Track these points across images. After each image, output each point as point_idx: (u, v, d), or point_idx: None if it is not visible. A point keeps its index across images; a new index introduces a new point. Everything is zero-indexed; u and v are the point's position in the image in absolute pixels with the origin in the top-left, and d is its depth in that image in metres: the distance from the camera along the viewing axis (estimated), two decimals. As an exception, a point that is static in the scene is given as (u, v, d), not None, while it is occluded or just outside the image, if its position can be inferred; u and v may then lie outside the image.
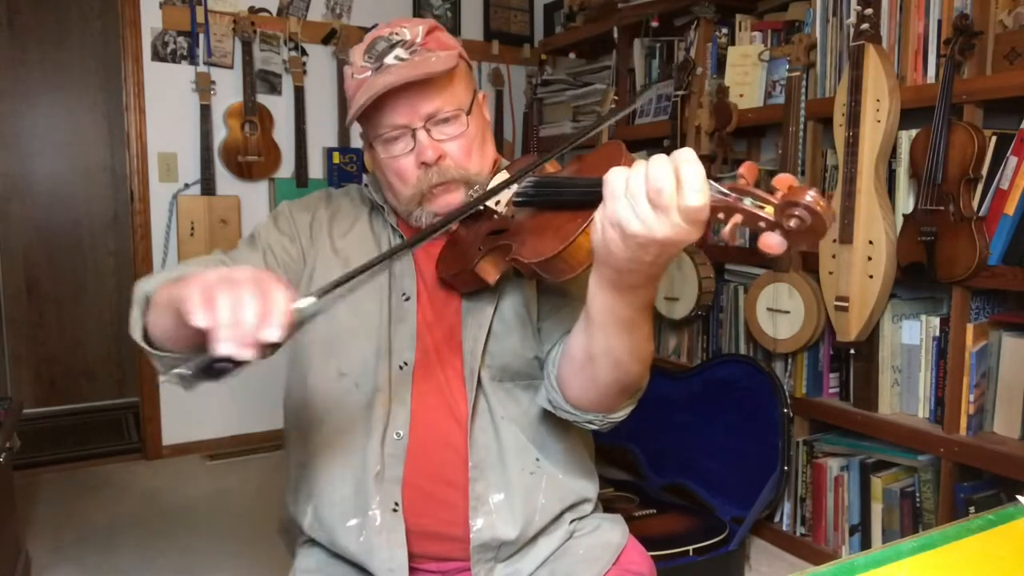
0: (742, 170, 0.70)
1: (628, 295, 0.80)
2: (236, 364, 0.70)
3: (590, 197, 0.78)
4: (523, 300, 1.06)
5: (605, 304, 0.82)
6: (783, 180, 0.67)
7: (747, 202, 0.68)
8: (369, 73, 1.01)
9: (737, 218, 0.69)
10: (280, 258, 1.10)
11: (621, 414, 0.98)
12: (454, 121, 1.02)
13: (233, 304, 0.69)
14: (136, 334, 0.94)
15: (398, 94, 0.98)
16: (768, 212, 0.67)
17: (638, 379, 0.93)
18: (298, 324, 0.74)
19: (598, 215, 0.75)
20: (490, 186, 1.02)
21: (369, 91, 0.98)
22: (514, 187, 0.93)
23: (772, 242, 0.67)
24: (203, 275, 0.73)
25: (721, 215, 0.70)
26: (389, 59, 1.00)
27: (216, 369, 0.71)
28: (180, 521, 2.63)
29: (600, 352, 0.88)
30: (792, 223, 0.65)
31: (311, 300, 0.76)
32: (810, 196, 0.64)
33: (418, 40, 1.02)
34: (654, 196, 0.68)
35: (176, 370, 0.74)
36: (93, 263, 4.11)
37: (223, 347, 0.68)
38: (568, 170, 0.96)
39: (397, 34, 1.03)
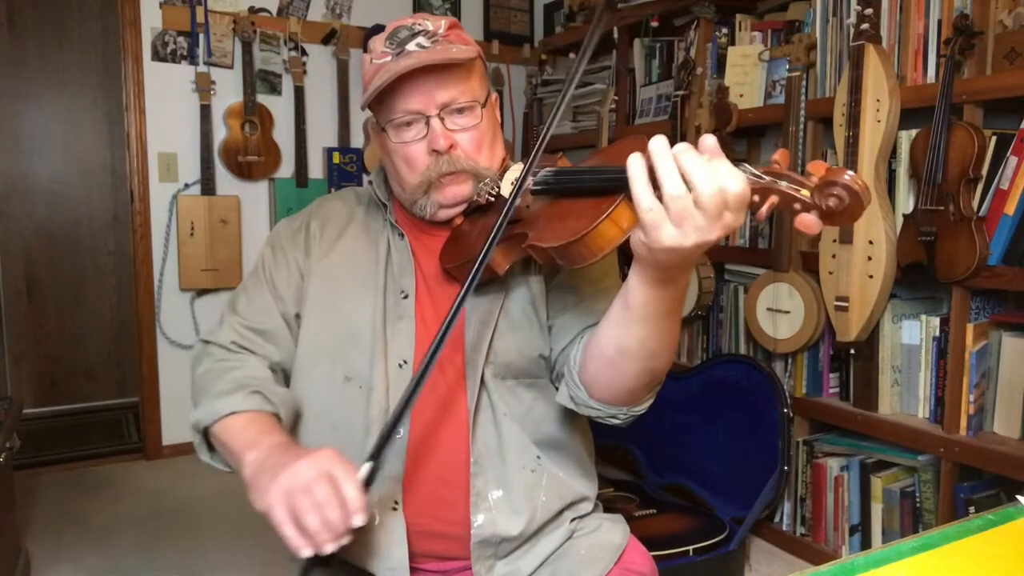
0: (776, 156, 0.71)
1: (671, 287, 0.83)
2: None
3: (613, 183, 0.79)
4: (530, 298, 1.06)
5: (648, 297, 0.83)
6: (817, 165, 0.69)
7: (783, 184, 0.69)
8: (389, 58, 1.01)
9: (773, 199, 0.70)
10: (284, 293, 1.11)
11: (643, 407, 0.99)
12: (468, 113, 1.03)
13: (317, 512, 0.81)
14: (204, 457, 1.04)
15: (415, 80, 0.99)
16: (804, 194, 0.68)
17: (664, 369, 0.94)
18: (369, 484, 0.86)
19: (642, 245, 0.76)
20: (505, 178, 1.03)
21: (388, 72, 0.98)
22: (530, 180, 0.93)
23: (809, 222, 0.68)
24: (275, 489, 0.83)
25: (756, 197, 0.71)
26: (411, 46, 1.01)
27: (325, 560, 0.84)
28: (180, 521, 2.63)
29: (635, 345, 0.88)
30: (831, 202, 0.67)
31: (368, 465, 0.86)
32: (848, 175, 0.66)
33: (440, 31, 1.03)
34: (709, 208, 0.69)
35: None
36: (93, 263, 4.11)
37: (327, 549, 0.81)
38: (588, 164, 0.96)
39: (419, 24, 1.04)
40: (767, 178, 0.69)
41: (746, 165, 0.70)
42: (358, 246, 1.12)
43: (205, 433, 1.02)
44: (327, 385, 1.07)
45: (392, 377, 1.05)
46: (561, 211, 0.89)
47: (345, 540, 0.82)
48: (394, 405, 1.03)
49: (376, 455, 0.86)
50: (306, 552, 0.81)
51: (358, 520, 0.81)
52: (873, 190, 1.99)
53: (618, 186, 0.77)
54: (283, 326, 1.11)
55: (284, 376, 1.12)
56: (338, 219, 1.16)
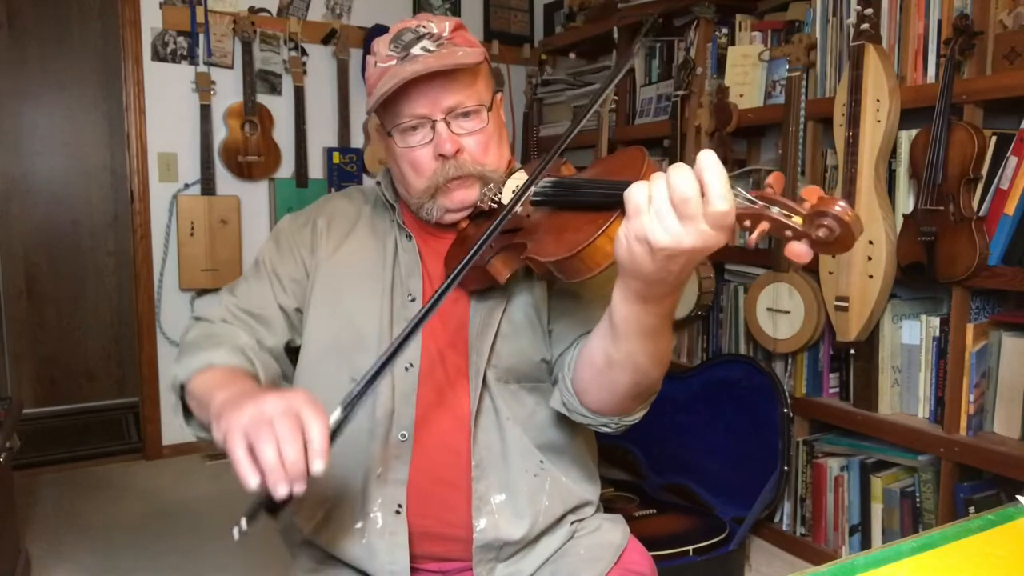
0: (770, 180, 0.70)
1: (653, 305, 0.80)
2: (291, 497, 0.74)
3: (611, 199, 0.78)
4: (533, 302, 1.05)
5: (631, 314, 0.82)
6: (812, 191, 0.68)
7: (775, 211, 0.68)
8: (394, 62, 1.00)
9: (764, 226, 0.69)
10: (287, 285, 1.10)
11: (636, 417, 0.98)
12: (474, 116, 1.02)
13: (276, 446, 0.73)
14: (180, 420, 0.99)
15: (421, 84, 0.98)
16: (796, 221, 0.67)
17: (656, 383, 0.93)
18: (335, 435, 0.78)
19: (622, 231, 0.74)
20: (507, 185, 1.02)
21: (394, 78, 0.97)
22: (532, 188, 0.93)
23: (799, 251, 0.67)
24: (238, 417, 0.76)
25: (748, 223, 0.70)
26: (416, 49, 1.00)
27: (275, 506, 0.75)
28: (180, 521, 2.63)
29: (622, 359, 0.87)
30: (821, 233, 0.66)
31: (338, 413, 0.79)
32: (839, 207, 0.65)
33: (445, 34, 1.02)
34: (680, 206, 0.68)
35: (236, 528, 0.75)
36: (93, 263, 4.11)
37: (279, 490, 0.72)
38: (587, 173, 0.95)
39: (424, 27, 1.03)
40: (759, 203, 0.69)
41: (739, 189, 0.69)
42: (366, 244, 1.12)
43: (183, 395, 0.98)
44: (333, 385, 1.06)
45: (398, 379, 1.04)
46: (559, 224, 0.88)
47: (299, 487, 0.73)
48: (400, 408, 1.04)
49: (352, 403, 0.79)
50: (253, 483, 0.73)
51: (318, 465, 0.73)
52: (873, 190, 1.99)
53: (616, 201, 0.76)
54: (279, 315, 1.09)
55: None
56: (346, 217, 1.15)
